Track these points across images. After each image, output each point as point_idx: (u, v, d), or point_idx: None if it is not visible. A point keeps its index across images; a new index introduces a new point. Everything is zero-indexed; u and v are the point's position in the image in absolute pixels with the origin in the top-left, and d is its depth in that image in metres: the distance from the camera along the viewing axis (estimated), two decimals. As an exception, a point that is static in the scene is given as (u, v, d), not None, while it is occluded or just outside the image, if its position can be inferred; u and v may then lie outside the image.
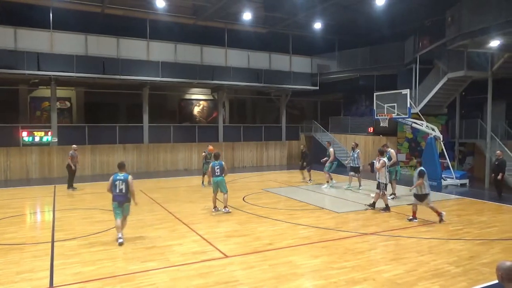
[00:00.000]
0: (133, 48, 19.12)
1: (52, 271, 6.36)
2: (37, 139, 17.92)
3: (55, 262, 6.74)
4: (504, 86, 16.25)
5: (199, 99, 26.11)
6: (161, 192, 13.98)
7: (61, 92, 20.67)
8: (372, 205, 11.10)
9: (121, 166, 8.15)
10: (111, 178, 8.04)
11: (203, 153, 15.44)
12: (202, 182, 15.35)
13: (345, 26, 22.65)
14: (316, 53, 24.02)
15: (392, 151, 13.09)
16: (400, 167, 15.81)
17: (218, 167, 10.57)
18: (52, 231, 8.86)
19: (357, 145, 15.27)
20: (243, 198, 12.63)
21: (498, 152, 13.82)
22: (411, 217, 9.80)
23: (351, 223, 9.62)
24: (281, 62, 23.03)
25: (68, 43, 17.79)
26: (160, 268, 6.49)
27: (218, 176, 10.57)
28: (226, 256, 7.08)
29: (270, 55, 22.69)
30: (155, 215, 10.37)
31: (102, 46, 18.47)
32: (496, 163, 13.51)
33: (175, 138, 21.09)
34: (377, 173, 10.96)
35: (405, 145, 19.79)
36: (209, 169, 10.85)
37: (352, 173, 14.65)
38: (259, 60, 22.32)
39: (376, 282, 5.96)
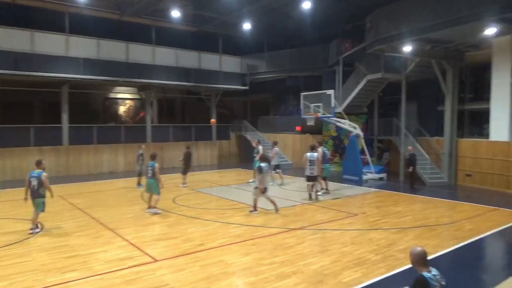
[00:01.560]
0: (50, 43, 17.62)
1: (-47, 290, 5.66)
2: None
3: (-43, 280, 6.00)
4: (416, 88, 17.86)
5: (125, 98, 24.95)
6: (83, 197, 13.12)
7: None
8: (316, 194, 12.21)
9: (37, 163, 8.69)
10: (28, 175, 8.55)
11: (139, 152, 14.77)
12: (139, 183, 14.62)
13: (274, 28, 23.22)
14: (245, 54, 24.26)
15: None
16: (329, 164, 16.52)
17: (150, 168, 10.49)
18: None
19: (276, 143, 16.18)
20: (173, 200, 12.33)
21: (409, 147, 15.17)
22: (252, 209, 10.45)
23: (280, 219, 9.88)
24: (211, 61, 22.88)
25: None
26: (83, 278, 6.09)
27: (150, 178, 10.47)
28: (155, 260, 6.86)
29: (199, 54, 22.41)
30: (76, 221, 9.69)
31: (14, 39, 16.76)
32: (408, 157, 14.86)
33: (99, 139, 19.89)
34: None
35: (330, 143, 20.84)
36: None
37: (278, 170, 15.40)
38: (189, 59, 21.93)
39: (304, 274, 6.19)
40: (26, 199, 8.61)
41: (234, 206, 11.40)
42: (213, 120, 15.14)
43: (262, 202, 10.60)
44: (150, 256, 7.05)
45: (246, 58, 24.21)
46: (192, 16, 21.28)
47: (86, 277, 6.13)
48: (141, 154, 14.58)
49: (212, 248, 7.52)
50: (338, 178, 17.01)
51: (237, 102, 29.61)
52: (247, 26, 21.21)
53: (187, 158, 15.44)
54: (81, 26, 18.52)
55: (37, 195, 8.49)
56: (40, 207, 8.57)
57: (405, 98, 17.13)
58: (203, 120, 26.83)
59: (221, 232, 8.63)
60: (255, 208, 10.40)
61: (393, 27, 13.98)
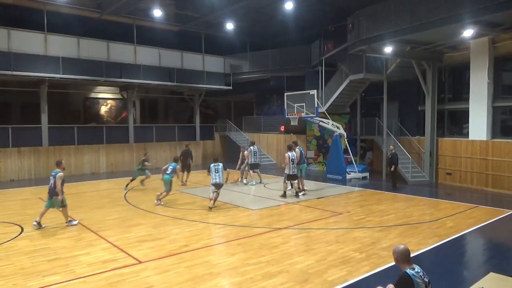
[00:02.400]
0: (28, 42, 17.18)
1: None
2: None
3: None
4: (397, 88, 18.16)
5: (106, 98, 24.56)
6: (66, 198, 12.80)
7: None
8: (296, 195, 12.54)
9: (57, 164, 9.31)
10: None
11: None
12: (127, 186, 14.44)
13: (257, 28, 23.25)
14: (228, 53, 24.20)
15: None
16: (309, 163, 16.68)
17: (171, 167, 11.73)
18: None
19: (253, 142, 16.66)
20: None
21: (391, 146, 15.41)
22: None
23: (265, 219, 9.89)
24: (194, 61, 22.72)
25: None
26: (65, 282, 5.96)
27: (167, 174, 11.61)
28: (140, 262, 6.77)
29: (182, 54, 22.23)
30: (58, 224, 9.47)
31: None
32: (390, 156, 15.10)
33: (79, 140, 19.51)
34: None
35: (314, 143, 20.99)
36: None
37: (256, 170, 15.71)
38: (171, 58, 21.72)
39: (290, 273, 6.21)
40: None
41: (219, 206, 11.34)
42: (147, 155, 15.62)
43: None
44: (134, 258, 6.95)
45: (229, 58, 24.15)
46: (174, 15, 21.09)
47: (68, 280, 6.00)
48: (144, 160, 14.47)
49: (197, 248, 7.47)
50: (322, 178, 17.14)
51: (221, 102, 29.52)
52: (230, 26, 21.16)
53: (185, 156, 15.88)
54: (61, 25, 18.12)
55: (54, 192, 8.95)
56: (57, 204, 9.05)
57: (386, 98, 17.39)
58: (186, 120, 26.69)
59: (206, 233, 8.58)
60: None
61: (374, 28, 14.18)
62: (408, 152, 16.79)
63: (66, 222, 9.29)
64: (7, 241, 8.08)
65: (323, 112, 18.27)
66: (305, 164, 14.14)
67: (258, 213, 10.50)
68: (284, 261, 6.75)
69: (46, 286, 5.79)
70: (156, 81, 21.01)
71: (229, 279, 6.07)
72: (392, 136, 17.49)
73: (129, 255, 7.13)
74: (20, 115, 21.02)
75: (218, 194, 11.19)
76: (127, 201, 12.25)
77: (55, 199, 9.02)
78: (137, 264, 6.69)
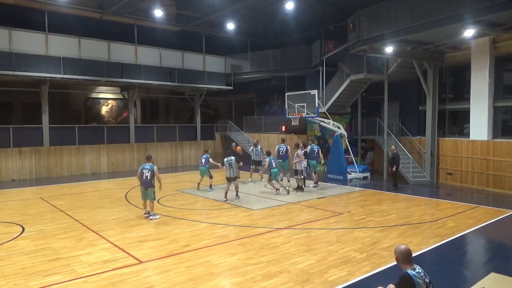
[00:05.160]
0: (29, 42, 17.19)
1: None
2: None
3: None
4: (398, 88, 18.14)
5: (107, 98, 24.58)
6: (65, 198, 12.85)
7: None
8: (300, 189, 13.43)
9: (148, 158, 10.10)
10: (140, 167, 9.79)
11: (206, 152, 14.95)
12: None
13: (257, 28, 23.25)
14: (229, 53, 24.21)
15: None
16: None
17: (204, 158, 13.59)
18: None
19: (258, 141, 17.44)
20: (158, 200, 12.19)
21: (393, 146, 15.39)
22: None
23: (266, 219, 9.89)
24: (194, 61, 22.73)
25: None
26: (66, 281, 5.96)
27: (202, 165, 13.61)
28: (140, 262, 6.77)
29: (183, 54, 22.24)
30: (58, 224, 9.49)
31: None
32: (391, 156, 15.09)
33: (80, 140, 19.53)
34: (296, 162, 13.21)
35: (314, 143, 20.95)
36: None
37: (253, 166, 16.31)
38: (172, 58, 21.73)
39: (291, 273, 6.21)
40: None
41: (219, 206, 11.35)
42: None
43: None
44: (135, 258, 6.96)
45: (230, 58, 24.15)
46: (175, 15, 21.12)
47: (69, 280, 6.00)
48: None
49: (198, 248, 7.47)
50: (323, 178, 17.14)
51: (222, 102, 29.53)
52: (230, 26, 21.16)
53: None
54: (61, 25, 18.13)
55: (150, 184, 9.62)
56: (151, 195, 9.68)
57: (387, 98, 17.37)
58: (187, 120, 26.70)
59: (207, 233, 8.58)
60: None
61: (375, 28, 14.17)
62: (409, 152, 16.77)
63: (149, 214, 9.73)
64: (8, 241, 8.10)
65: (324, 112, 18.25)
66: (314, 161, 14.96)
67: (259, 213, 10.50)
68: (285, 261, 6.75)
69: (47, 286, 5.80)
70: (157, 81, 21.02)
71: (230, 279, 6.07)
72: (393, 136, 17.47)
73: (130, 255, 7.14)
74: (21, 115, 21.05)
75: (236, 186, 12.01)
76: (128, 201, 12.26)
77: (150, 191, 9.62)
78: (138, 264, 6.70)
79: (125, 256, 7.10)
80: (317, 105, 16.61)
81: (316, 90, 16.92)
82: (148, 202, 9.90)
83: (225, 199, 11.90)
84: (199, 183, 14.22)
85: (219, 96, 27.12)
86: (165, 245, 7.73)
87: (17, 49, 16.73)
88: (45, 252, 7.35)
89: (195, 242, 7.89)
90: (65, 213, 10.68)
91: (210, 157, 14.25)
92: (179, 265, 6.59)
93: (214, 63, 23.59)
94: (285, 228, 8.97)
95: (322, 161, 16.84)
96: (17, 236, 8.43)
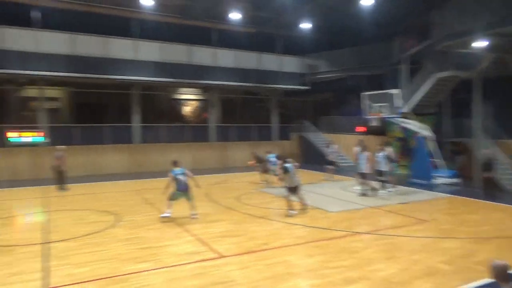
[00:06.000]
0: (122, 48, 18.90)
1: (47, 272, 6.25)
2: (25, 139, 17.58)
3: (48, 264, 6.64)
4: (493, 86, 16.47)
5: (189, 99, 25.97)
6: (154, 192, 13.83)
7: (50, 92, 20.34)
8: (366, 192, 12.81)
9: (176, 163, 9.95)
10: (170, 174, 9.67)
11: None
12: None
13: (333, 26, 22.75)
14: (305, 53, 24.08)
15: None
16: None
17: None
18: (43, 232, 8.71)
19: (331, 142, 17.99)
20: (237, 198, 12.59)
21: (487, 150, 14.02)
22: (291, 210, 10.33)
23: (344, 222, 9.66)
24: (270, 62, 23.03)
25: (55, 42, 17.49)
26: (154, 269, 6.43)
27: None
28: (221, 256, 7.05)
29: (259, 55, 22.66)
30: (148, 215, 10.27)
31: (90, 45, 18.24)
32: (485, 161, 13.71)
33: (166, 139, 20.93)
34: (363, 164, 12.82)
35: (396, 145, 19.94)
36: None
37: (329, 166, 16.75)
38: (249, 60, 22.27)
39: (372, 281, 5.99)
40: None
41: (298, 206, 11.33)
42: (251, 162, 15.95)
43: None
44: (217, 252, 7.26)
45: (306, 57, 24.03)
46: (251, 17, 21.62)
47: (157, 268, 6.46)
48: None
49: (276, 247, 7.55)
50: (405, 182, 16.25)
51: (298, 102, 29.48)
52: (306, 25, 21.05)
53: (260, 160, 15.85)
54: (149, 31, 19.61)
55: (188, 187, 9.74)
56: (190, 196, 9.82)
57: (480, 97, 15.87)
58: (264, 120, 27.12)
59: (285, 233, 8.63)
60: (291, 208, 10.33)
61: (462, 21, 13.00)
62: (507, 157, 15.12)
63: (195, 214, 9.89)
64: (106, 228, 8.97)
65: (406, 112, 17.27)
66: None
67: (337, 216, 10.29)
68: (365, 267, 6.53)
69: (138, 272, 6.30)
70: (234, 82, 21.69)
71: (308, 281, 6.04)
72: (488, 139, 15.91)
73: (211, 248, 7.46)
74: (115, 115, 23.15)
75: (297, 196, 10.47)
76: (209, 198, 12.83)
77: (189, 193, 9.78)
78: (219, 258, 6.98)
79: (207, 249, 7.44)
80: (398, 105, 15.78)
81: (397, 89, 16.09)
82: (191, 203, 9.88)
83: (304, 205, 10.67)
84: (266, 181, 14.76)
85: (295, 96, 27.13)
86: (244, 241, 7.94)
87: (112, 55, 18.45)
88: (136, 240, 8.00)
89: (273, 241, 7.98)
90: (153, 206, 11.52)
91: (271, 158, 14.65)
92: (258, 262, 6.73)
93: (290, 63, 23.67)
94: (366, 233, 8.68)
95: (401, 164, 16.02)
96: (113, 225, 9.30)
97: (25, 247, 7.67)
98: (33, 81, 18.48)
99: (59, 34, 17.68)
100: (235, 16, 19.58)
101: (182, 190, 9.65)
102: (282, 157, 11.30)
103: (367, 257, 7.07)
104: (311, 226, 9.15)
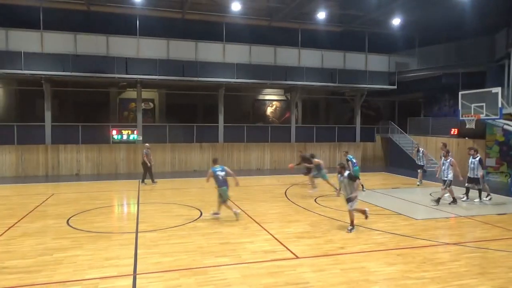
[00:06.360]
0: (210, 51, 19.95)
1: (136, 259, 6.88)
2: (124, 137, 19.50)
3: (138, 251, 7.30)
4: None
5: (272, 100, 26.38)
6: (234, 190, 14.29)
7: (145, 94, 22.26)
8: (454, 201, 11.73)
9: (215, 161, 10.29)
10: (210, 171, 9.91)
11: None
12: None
13: (426, 22, 21.20)
14: (394, 51, 22.90)
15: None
16: (489, 172, 14.55)
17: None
18: (135, 222, 9.58)
19: (418, 144, 18.08)
20: (315, 200, 12.49)
21: None
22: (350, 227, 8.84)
23: (430, 231, 9.00)
24: (356, 61, 22.37)
25: (152, 48, 19.13)
26: (232, 264, 6.69)
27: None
28: (297, 257, 7.06)
29: (344, 54, 22.16)
30: (228, 212, 10.66)
31: (182, 50, 19.55)
32: None
33: (248, 138, 21.54)
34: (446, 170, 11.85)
35: (495, 149, 17.98)
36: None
37: (419, 170, 16.09)
38: (333, 59, 21.91)
39: (459, 296, 5.52)
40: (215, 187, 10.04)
41: (378, 211, 10.88)
42: (291, 165, 15.42)
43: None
44: (292, 253, 7.29)
45: (394, 55, 22.84)
46: (337, 16, 21.19)
47: (235, 264, 6.71)
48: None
49: (354, 252, 7.34)
50: (505, 191, 14.58)
51: (384, 102, 28.16)
52: (396, 21, 19.98)
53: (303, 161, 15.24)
54: (235, 34, 20.35)
55: (227, 184, 9.94)
56: (226, 194, 9.94)
57: None
58: (347, 121, 26.44)
59: (363, 238, 8.34)
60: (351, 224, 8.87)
61: None
62: None
63: (215, 213, 10.03)
64: (190, 222, 9.56)
65: (510, 114, 15.46)
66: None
67: (422, 224, 9.63)
68: (452, 281, 6.03)
69: (217, 266, 6.61)
70: (318, 82, 21.49)
71: (387, 290, 5.78)
72: None
73: (287, 249, 7.52)
74: (202, 115, 24.47)
75: (351, 208, 8.87)
76: (287, 198, 12.92)
77: (226, 190, 9.88)
78: (294, 258, 7.00)
79: (283, 249, 7.51)
80: (500, 105, 14.21)
81: (500, 88, 14.48)
82: (222, 201, 9.95)
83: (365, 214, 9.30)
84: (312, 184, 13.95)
85: (381, 96, 25.97)
86: (321, 244, 7.86)
87: (201, 59, 19.57)
88: (217, 236, 8.39)
89: (350, 245, 7.77)
90: (234, 203, 11.93)
91: (353, 159, 13.91)
92: (334, 266, 6.61)
93: (377, 62, 22.76)
94: (454, 243, 8.00)
95: (501, 171, 14.31)
96: (196, 219, 9.87)
97: (119, 234, 8.53)
98: (132, 84, 20.41)
99: (156, 40, 19.28)
100: (321, 15, 19.42)
101: (221, 186, 9.82)
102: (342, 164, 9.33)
103: (455, 270, 6.52)
104: (392, 233, 8.70)
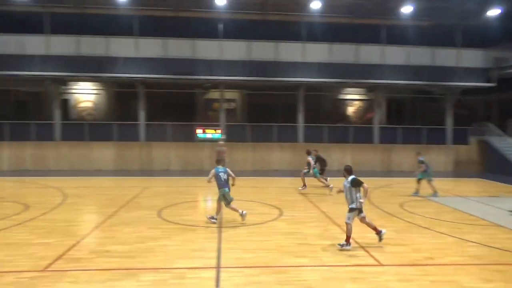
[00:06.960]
0: (290, 51, 20.01)
1: (220, 253, 7.19)
2: (209, 135, 20.48)
3: (221, 246, 7.61)
4: None
5: (353, 99, 25.60)
6: (313, 190, 14.23)
7: (228, 94, 23.09)
8: None
9: (219, 162, 9.73)
10: (213, 170, 9.39)
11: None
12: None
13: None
14: (491, 45, 20.75)
15: None
16: None
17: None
18: (218, 217, 9.98)
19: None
20: (401, 205, 11.85)
21: None
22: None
23: (537, 246, 8.00)
24: (446, 57, 20.75)
25: (234, 50, 19.77)
26: (312, 266, 6.64)
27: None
28: (380, 264, 6.78)
29: (433, 50, 20.66)
30: (308, 212, 10.64)
31: (263, 51, 19.91)
32: None
33: (329, 138, 21.19)
34: None
35: None
36: None
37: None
38: (420, 56, 20.58)
39: None
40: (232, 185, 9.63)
41: (473, 221, 9.97)
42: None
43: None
44: (376, 259, 7.01)
45: (492, 50, 20.70)
46: (425, 9, 19.82)
47: (315, 266, 6.65)
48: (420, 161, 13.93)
49: (444, 264, 6.82)
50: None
51: (479, 102, 25.69)
52: (495, 12, 18.08)
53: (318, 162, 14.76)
54: (315, 33, 20.16)
55: (228, 185, 9.43)
56: (229, 196, 9.45)
57: None
58: (434, 121, 24.65)
59: (455, 249, 7.70)
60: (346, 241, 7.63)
61: None
62: None
63: (212, 218, 9.45)
64: (270, 220, 9.70)
65: None
66: None
67: (526, 238, 8.60)
68: None
69: (297, 266, 6.62)
70: (404, 80, 20.38)
71: (484, 308, 5.27)
72: None
73: (370, 255, 7.25)
74: (282, 115, 24.66)
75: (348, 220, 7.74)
76: (370, 202, 12.43)
77: (228, 192, 9.36)
78: (377, 265, 6.73)
79: (366, 255, 7.26)
80: None
81: None
82: (222, 204, 9.45)
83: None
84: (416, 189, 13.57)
85: (475, 95, 23.76)
86: (407, 252, 7.43)
87: (281, 59, 19.74)
88: (297, 236, 8.40)
89: (440, 256, 7.23)
90: (313, 203, 11.87)
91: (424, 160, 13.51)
92: (421, 277, 6.21)
93: (471, 57, 20.89)
94: None
95: None
96: (276, 218, 9.98)
97: (205, 228, 8.97)
98: (216, 85, 21.34)
99: (238, 42, 19.90)
100: (407, 10, 18.38)
101: (222, 187, 9.37)
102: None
103: None
104: (490, 246, 7.90)
